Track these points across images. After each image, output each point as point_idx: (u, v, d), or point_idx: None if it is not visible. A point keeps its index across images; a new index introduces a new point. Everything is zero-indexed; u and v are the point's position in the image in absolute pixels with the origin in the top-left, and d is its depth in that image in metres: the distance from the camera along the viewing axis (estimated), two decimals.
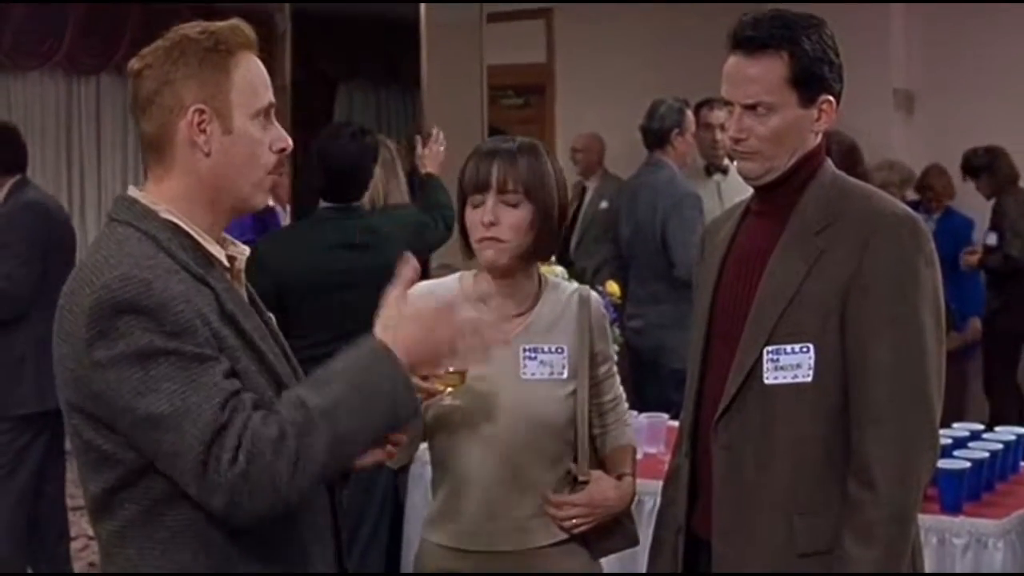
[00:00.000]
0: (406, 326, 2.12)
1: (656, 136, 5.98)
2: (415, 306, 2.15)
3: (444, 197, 5.11)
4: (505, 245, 2.74)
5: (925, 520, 2.88)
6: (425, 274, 5.91)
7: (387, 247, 4.51)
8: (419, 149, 5.44)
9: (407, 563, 4.33)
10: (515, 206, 2.73)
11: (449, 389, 2.62)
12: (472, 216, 2.76)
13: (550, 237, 2.80)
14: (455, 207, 2.86)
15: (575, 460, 2.85)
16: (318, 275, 4.32)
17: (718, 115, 6.09)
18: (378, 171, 4.87)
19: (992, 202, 7.49)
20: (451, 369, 2.55)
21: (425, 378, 2.55)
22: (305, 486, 1.99)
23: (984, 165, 7.42)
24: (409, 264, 2.22)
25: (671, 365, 5.41)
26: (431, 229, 4.94)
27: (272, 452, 1.95)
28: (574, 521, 2.82)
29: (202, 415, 1.94)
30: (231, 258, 2.20)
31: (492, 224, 2.72)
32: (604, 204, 7.68)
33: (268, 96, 2.18)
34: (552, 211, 2.79)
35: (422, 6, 6.64)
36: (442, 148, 5.38)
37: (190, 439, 1.94)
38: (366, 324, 4.72)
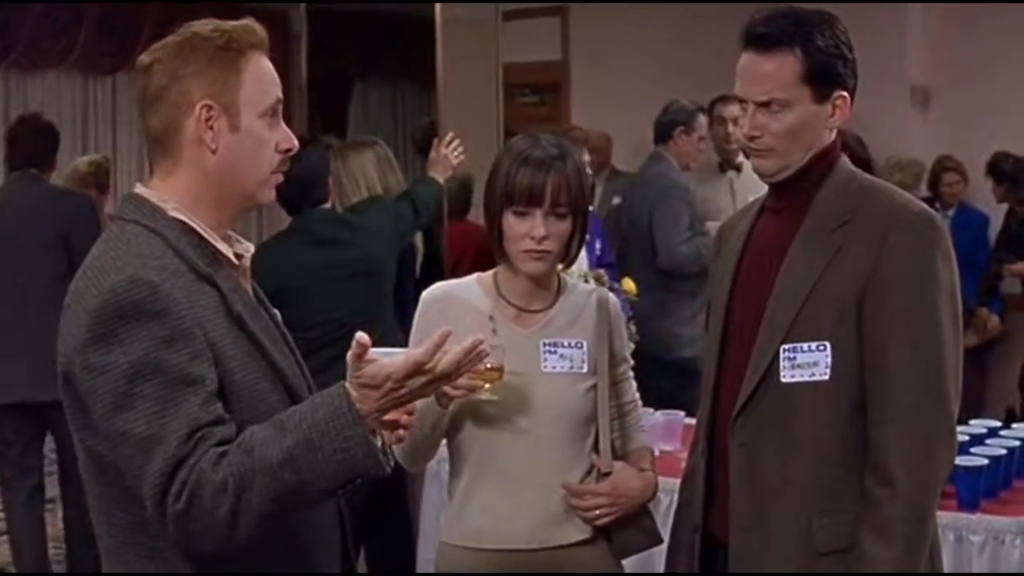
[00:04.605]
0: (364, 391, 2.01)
1: (661, 130, 6.00)
2: (370, 373, 2.00)
3: (428, 193, 5.05)
4: (553, 256, 2.76)
5: (942, 517, 2.87)
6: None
7: (365, 240, 4.55)
8: (432, 153, 5.31)
9: (422, 561, 4.32)
10: (562, 217, 2.73)
11: (487, 385, 2.62)
12: (518, 227, 2.73)
13: (582, 240, 2.82)
14: (490, 209, 2.78)
15: (597, 452, 2.82)
16: (303, 276, 4.31)
17: (731, 110, 6.08)
18: (373, 169, 4.88)
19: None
20: (489, 365, 2.55)
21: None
22: (250, 534, 1.97)
23: (1011, 174, 7.36)
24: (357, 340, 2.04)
25: (659, 355, 5.37)
26: (405, 219, 4.83)
27: (211, 499, 1.94)
28: (597, 512, 2.79)
29: (171, 444, 1.94)
30: (238, 255, 2.21)
31: (544, 238, 2.71)
32: (616, 200, 7.69)
33: (276, 93, 2.18)
34: (587, 215, 2.81)
35: (436, 4, 6.61)
36: (456, 155, 5.22)
37: (155, 467, 1.94)
38: (353, 316, 4.64)
